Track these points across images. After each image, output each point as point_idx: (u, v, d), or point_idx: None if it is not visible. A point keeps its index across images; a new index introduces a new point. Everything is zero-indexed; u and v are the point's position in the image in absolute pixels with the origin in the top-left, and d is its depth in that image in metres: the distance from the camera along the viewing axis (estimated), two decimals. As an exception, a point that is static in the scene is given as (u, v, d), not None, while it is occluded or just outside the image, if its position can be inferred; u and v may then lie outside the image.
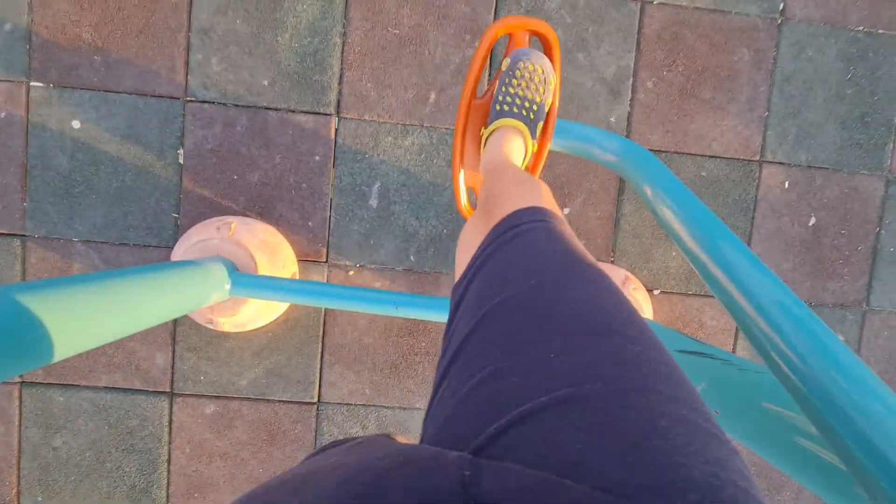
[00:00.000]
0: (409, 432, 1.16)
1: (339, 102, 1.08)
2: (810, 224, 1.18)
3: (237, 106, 1.07)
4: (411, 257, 1.13)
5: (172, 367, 1.11)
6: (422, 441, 0.29)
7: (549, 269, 0.33)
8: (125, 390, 1.11)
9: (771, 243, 1.17)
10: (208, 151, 1.08)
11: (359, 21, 1.07)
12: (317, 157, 1.09)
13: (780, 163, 1.16)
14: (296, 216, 1.10)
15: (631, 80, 1.11)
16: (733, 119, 1.14)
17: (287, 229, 1.10)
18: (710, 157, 1.14)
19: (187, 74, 1.06)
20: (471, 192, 0.79)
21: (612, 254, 1.15)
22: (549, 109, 0.71)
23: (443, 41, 1.08)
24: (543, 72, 0.68)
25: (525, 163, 0.71)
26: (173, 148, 1.07)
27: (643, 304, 1.07)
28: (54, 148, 1.05)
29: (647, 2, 1.10)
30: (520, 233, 0.39)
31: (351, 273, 1.12)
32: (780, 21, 1.13)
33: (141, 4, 1.04)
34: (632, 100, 1.12)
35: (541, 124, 0.70)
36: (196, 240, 1.01)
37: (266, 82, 1.07)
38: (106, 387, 1.10)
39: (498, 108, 0.69)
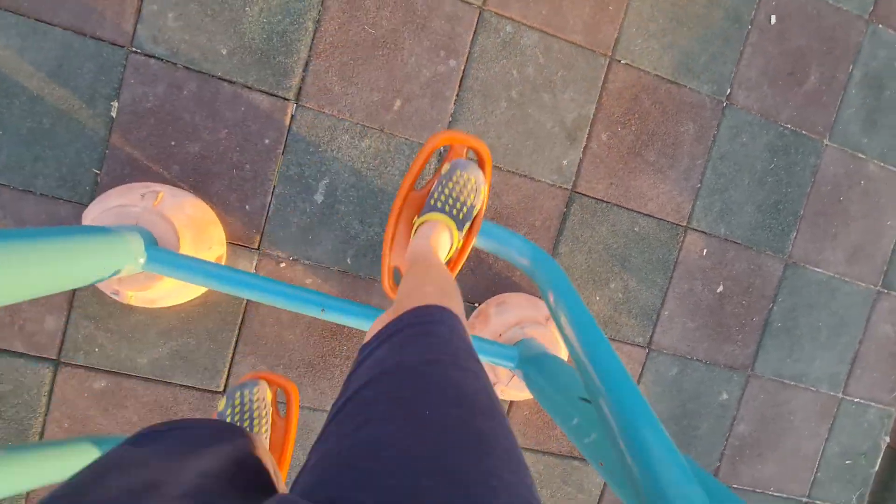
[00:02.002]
0: (312, 434, 1.14)
1: (300, 89, 1.04)
2: (718, 291, 1.30)
3: (188, 69, 1.00)
4: (348, 260, 1.11)
5: (64, 334, 1.02)
6: (302, 470, 0.33)
7: (441, 360, 0.38)
8: (2, 351, 1.00)
9: (682, 302, 1.28)
10: (146, 110, 0.99)
11: (336, 11, 1.04)
12: (266, 141, 1.04)
13: (703, 232, 1.26)
14: (233, 197, 1.04)
15: (588, 129, 1.17)
16: (670, 184, 1.23)
17: (221, 209, 1.04)
18: (645, 214, 1.22)
19: (137, 23, 0.98)
20: (396, 273, 0.83)
21: (542, 289, 1.20)
22: (477, 213, 0.80)
23: (417, 52, 1.08)
24: (476, 182, 0.78)
25: (449, 255, 0.79)
26: (107, 99, 0.98)
27: (560, 342, 1.13)
28: (-39, 69, 0.93)
29: (615, 59, 1.16)
30: (428, 324, 0.44)
31: (282, 265, 1.08)
32: (724, 104, 1.23)
33: (96, -65, 0.95)
34: (585, 147, 1.17)
35: (468, 224, 0.79)
36: (116, 203, 0.93)
37: (225, 51, 1.01)
38: (-21, 344, 0.99)
39: (433, 202, 0.77)
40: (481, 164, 0.82)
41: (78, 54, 0.96)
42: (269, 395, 0.79)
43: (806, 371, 1.39)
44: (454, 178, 0.78)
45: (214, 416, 0.78)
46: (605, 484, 1.30)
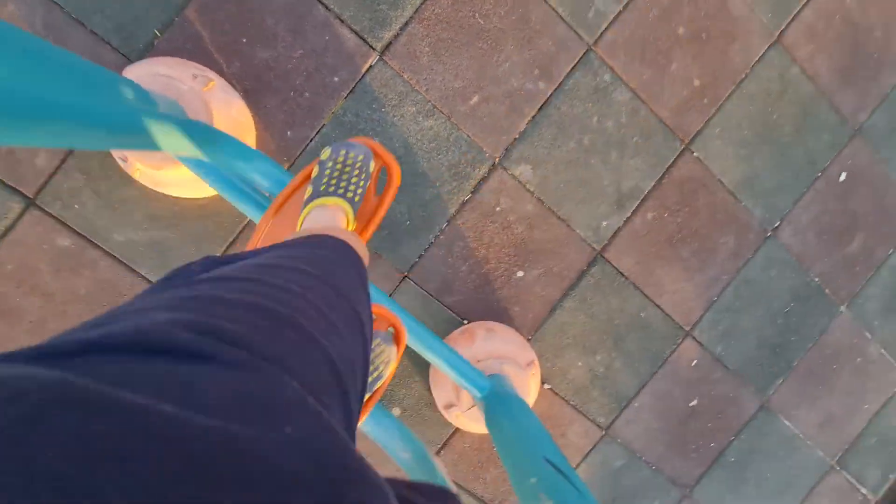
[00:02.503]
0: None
1: (389, 44, 1.01)
2: (691, 404, 1.28)
3: (292, -23, 0.96)
4: (362, 226, 1.06)
5: (50, 177, 0.94)
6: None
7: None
8: (-21, 167, 0.92)
9: (655, 400, 1.26)
10: (234, -2, 0.95)
11: (455, -12, 1.01)
12: (336, 79, 1.00)
13: (701, 343, 1.25)
14: (281, 118, 1.00)
15: (639, 202, 1.16)
16: (690, 287, 1.22)
17: (263, 122, 0.99)
18: (656, 305, 1.21)
19: (263, -89, 0.93)
20: None
21: (533, 333, 1.16)
22: (378, 387, 0.77)
23: (514, 59, 1.05)
24: (388, 356, 0.77)
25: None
26: (200, -32, 0.93)
27: (532, 390, 1.10)
28: None
29: (689, 149, 1.16)
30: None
31: (297, 203, 1.03)
32: (769, 234, 1.24)
33: None
34: (629, 219, 1.16)
35: (367, 395, 0.76)
36: (166, 72, 0.88)
37: (334, -24, 0.97)
38: (-41, 150, 0.91)
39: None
40: (397, 341, 0.81)
41: (192, -86, 0.91)
42: (373, 167, 0.74)
43: (738, 514, 1.37)
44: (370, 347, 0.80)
45: (315, 164, 0.73)
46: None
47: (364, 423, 0.86)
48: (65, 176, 0.95)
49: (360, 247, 0.59)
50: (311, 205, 0.69)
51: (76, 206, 0.96)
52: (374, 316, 0.82)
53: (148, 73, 0.86)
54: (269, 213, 0.74)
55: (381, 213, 0.75)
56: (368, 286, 0.49)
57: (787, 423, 1.35)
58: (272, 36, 0.97)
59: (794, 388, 1.34)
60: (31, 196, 0.94)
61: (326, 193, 0.69)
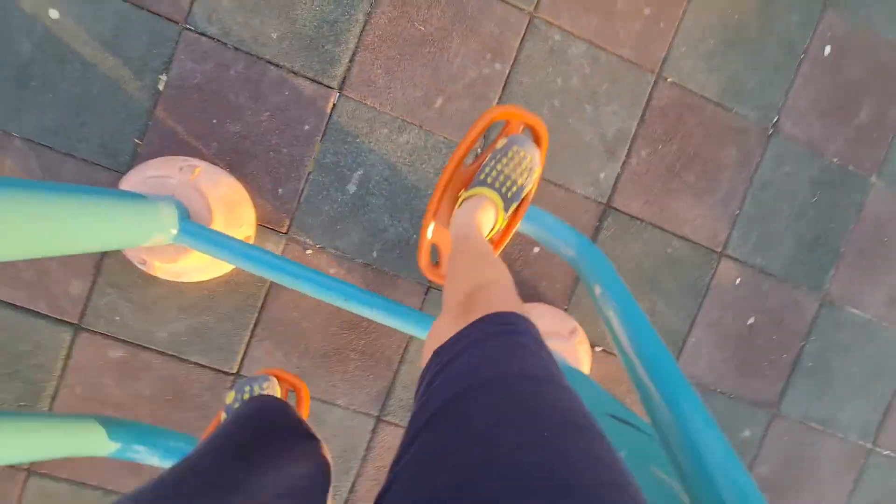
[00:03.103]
0: (322, 426, 1.12)
1: (344, 79, 1.04)
2: (749, 323, 1.25)
3: (237, 49, 1.01)
4: (374, 253, 1.10)
5: (87, 299, 1.02)
6: (386, 491, 0.29)
7: (538, 376, 0.34)
8: (26, 310, 1.00)
9: (710, 330, 1.24)
10: (193, 86, 1.00)
11: (387, 5, 1.04)
12: (306, 127, 1.04)
13: (738, 260, 1.23)
14: (268, 179, 1.04)
15: (628, 144, 1.15)
16: (708, 209, 1.20)
17: (254, 190, 1.04)
18: (680, 237, 1.19)
19: (193, 1, 0.99)
20: (434, 248, 0.80)
21: (567, 302, 1.17)
22: (526, 195, 0.77)
23: (464, 52, 1.07)
24: (532, 160, 0.74)
25: (491, 235, 0.75)
26: (155, 71, 0.99)
27: (583, 358, 1.10)
28: (20, 32, 0.95)
29: (661, 76, 1.14)
30: (514, 333, 0.39)
31: (308, 252, 1.07)
32: (770, 132, 1.20)
33: (164, -87, 0.97)
34: (624, 163, 1.15)
35: (515, 205, 0.75)
36: (154, 174, 0.94)
37: (275, 35, 1.02)
38: (4, 301, 0.99)
39: (482, 177, 0.73)
40: (538, 143, 0.77)
41: (133, 26, 0.98)
42: (279, 392, 0.78)
43: (835, 416, 1.32)
44: (509, 154, 0.73)
45: (222, 411, 0.76)
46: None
47: (523, 227, 0.84)
48: (99, 294, 1.02)
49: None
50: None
51: (116, 318, 1.03)
52: (504, 119, 0.78)
53: (140, 180, 0.92)
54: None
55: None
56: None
57: (854, 310, 1.30)
58: (237, 109, 1.02)
59: (849, 275, 1.28)
60: (76, 322, 1.02)
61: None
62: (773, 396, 1.29)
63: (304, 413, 0.81)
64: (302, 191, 1.06)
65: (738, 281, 1.23)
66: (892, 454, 1.36)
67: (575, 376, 0.92)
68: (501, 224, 0.75)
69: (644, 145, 1.16)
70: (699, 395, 1.21)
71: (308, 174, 1.06)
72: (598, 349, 1.19)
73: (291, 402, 0.83)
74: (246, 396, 0.75)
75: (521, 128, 0.79)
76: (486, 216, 0.71)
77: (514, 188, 0.73)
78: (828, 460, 1.33)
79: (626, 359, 0.61)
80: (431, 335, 0.48)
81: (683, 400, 0.50)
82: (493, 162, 0.74)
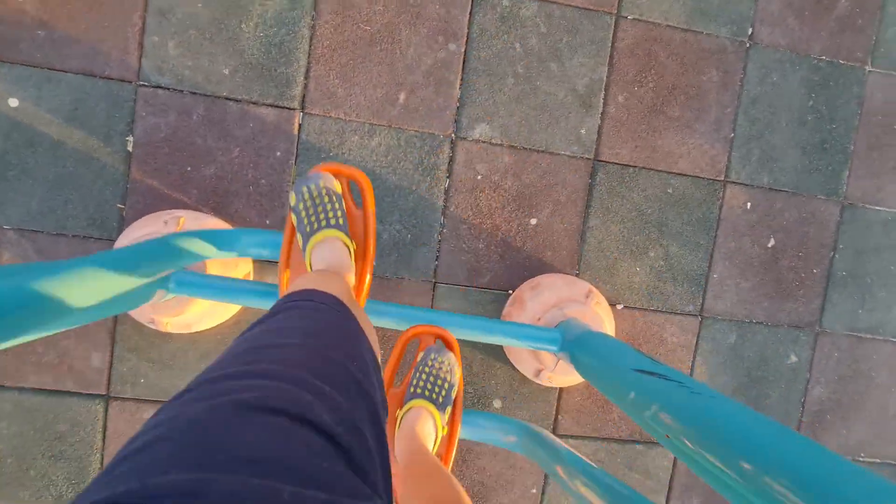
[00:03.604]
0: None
1: (304, 97, 1.04)
2: (769, 245, 1.20)
3: (194, 94, 1.01)
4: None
5: (110, 369, 1.04)
6: None
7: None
8: (55, 392, 1.03)
9: (732, 262, 1.19)
10: (160, 140, 1.01)
11: (328, 14, 1.03)
12: (278, 153, 1.04)
13: (744, 184, 1.18)
14: (253, 213, 1.05)
15: (602, 93, 1.11)
16: (700, 138, 1.15)
17: (242, 225, 1.04)
18: (677, 174, 1.15)
19: (141, 57, 1.00)
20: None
21: (577, 266, 1.14)
22: (456, 396, 0.83)
23: (415, 41, 1.05)
24: (450, 363, 0.83)
25: (436, 448, 0.79)
26: (122, 134, 1.00)
27: (605, 319, 1.07)
28: (-13, 127, 0.97)
29: (621, 16, 1.10)
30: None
31: (309, 275, 1.07)
32: (748, 45, 1.15)
33: (93, -21, 0.98)
34: (603, 112, 1.12)
35: (449, 408, 0.81)
36: (141, 233, 0.95)
37: (227, 71, 1.02)
38: (33, 388, 1.02)
39: (412, 390, 0.80)
40: (450, 349, 0.86)
41: (91, 96, 0.99)
42: (338, 186, 0.76)
43: (882, 321, 1.26)
44: (429, 363, 0.82)
45: (290, 212, 0.75)
46: (674, 466, 1.22)
47: (462, 432, 0.89)
48: (120, 362, 1.04)
49: (344, 288, 0.58)
50: (307, 248, 0.70)
51: (142, 380, 1.05)
52: (416, 338, 0.86)
53: (130, 241, 0.93)
54: (281, 269, 0.77)
55: (371, 221, 0.76)
56: (363, 333, 0.48)
57: (878, 208, 1.23)
58: (208, 151, 1.02)
59: (865, 172, 1.22)
60: (104, 393, 1.04)
61: (313, 232, 0.70)
62: (813, 315, 1.23)
63: (371, 205, 0.76)
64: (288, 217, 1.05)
65: (748, 205, 1.18)
66: (953, 346, 1.29)
67: (596, 338, 0.90)
68: (443, 432, 0.79)
69: (619, 90, 1.12)
70: (734, 330, 1.17)
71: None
72: (619, 307, 1.16)
73: (354, 195, 0.80)
74: (306, 196, 0.72)
75: (434, 339, 0.87)
76: (427, 427, 0.76)
77: (443, 392, 0.79)
78: (885, 368, 1.27)
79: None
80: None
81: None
82: (417, 374, 0.82)
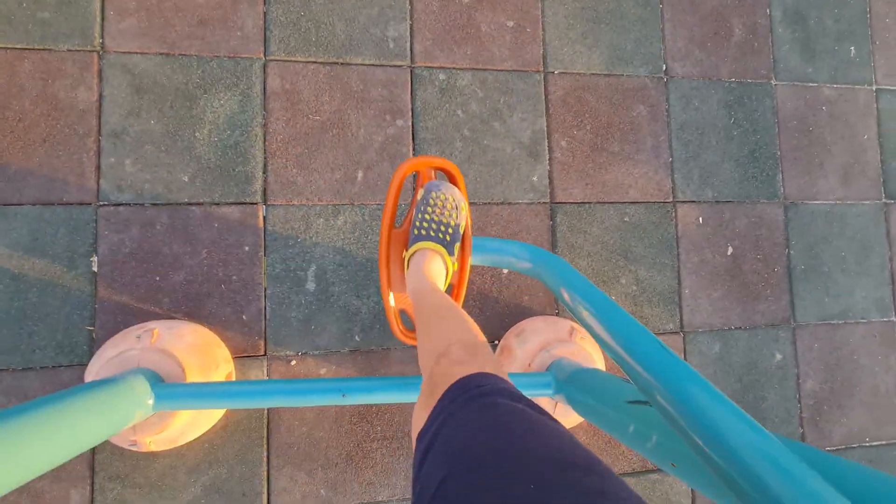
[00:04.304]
0: (375, 531, 1.06)
1: (265, 190, 1.07)
2: (729, 253, 1.27)
3: (156, 205, 1.03)
4: (356, 337, 1.08)
5: (91, 502, 0.97)
6: None
7: (512, 431, 0.34)
8: (33, 542, 0.94)
9: (699, 275, 1.24)
10: (125, 255, 1.01)
11: (279, 111, 1.09)
12: (246, 248, 1.05)
13: (691, 201, 1.25)
14: (228, 311, 1.04)
15: (546, 141, 1.19)
16: (643, 167, 1.23)
17: (219, 326, 1.03)
18: (630, 202, 1.22)
19: (99, 179, 1.02)
20: (404, 315, 0.81)
21: (555, 306, 1.16)
22: (464, 230, 0.79)
23: (364, 123, 1.12)
24: (454, 199, 0.77)
25: (448, 281, 0.77)
26: (85, 256, 1.00)
27: (593, 353, 1.08)
28: (-57, 272, 0.95)
29: (548, 72, 1.21)
30: (479, 396, 0.39)
31: (293, 363, 1.05)
32: (665, 80, 1.27)
33: (45, 113, 1.01)
34: (550, 159, 1.19)
35: (457, 245, 0.77)
36: (113, 353, 0.92)
37: (186, 178, 1.04)
38: (8, 542, 0.94)
39: (416, 232, 0.76)
40: (454, 182, 0.81)
41: (49, 224, 0.99)
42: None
43: (849, 305, 1.32)
44: (431, 202, 0.76)
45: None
46: (693, 491, 1.19)
47: (473, 259, 0.85)
48: (103, 493, 0.97)
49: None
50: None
51: (128, 509, 0.98)
52: (414, 171, 0.81)
53: (101, 365, 0.91)
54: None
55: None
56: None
57: (816, 202, 1.33)
58: (175, 258, 1.03)
59: (795, 172, 1.32)
60: (88, 532, 0.96)
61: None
62: (785, 311, 1.28)
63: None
64: (265, 308, 1.05)
65: (700, 220, 1.26)
66: (918, 317, 1.36)
67: (587, 375, 0.90)
68: (453, 267, 0.76)
69: (561, 136, 1.20)
70: (717, 340, 1.20)
71: (265, 290, 1.05)
72: (604, 337, 1.18)
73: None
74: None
75: (433, 173, 0.82)
76: (436, 266, 0.73)
77: (450, 230, 0.75)
78: (864, 349, 1.32)
79: (611, 350, 0.60)
80: (413, 421, 0.48)
81: (681, 376, 0.49)
82: (420, 215, 0.77)
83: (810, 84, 1.35)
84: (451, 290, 0.81)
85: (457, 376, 0.43)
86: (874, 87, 1.39)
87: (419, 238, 0.75)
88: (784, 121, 1.33)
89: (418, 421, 0.43)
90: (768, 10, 1.35)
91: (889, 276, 1.35)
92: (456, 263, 0.77)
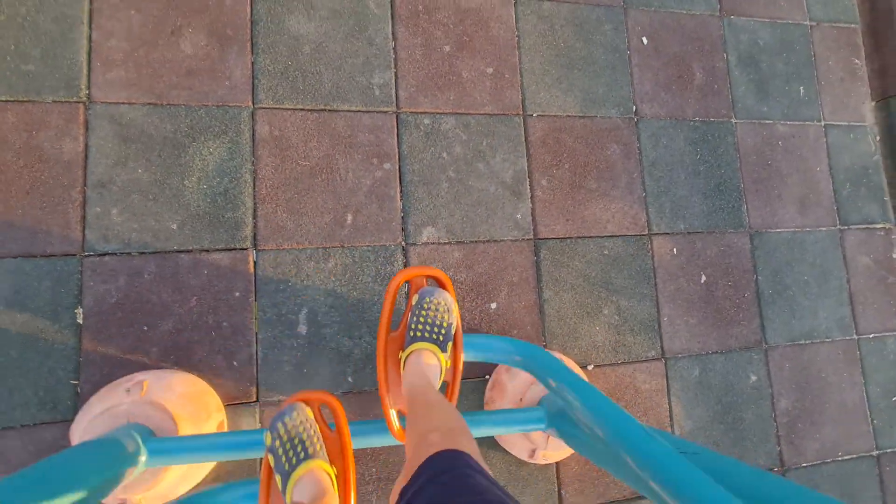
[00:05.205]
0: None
1: (255, 236, 1.08)
2: (702, 281, 1.34)
3: (143, 253, 1.02)
4: (349, 378, 1.09)
5: (76, 568, 0.92)
6: None
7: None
8: None
9: (675, 303, 1.30)
10: (112, 306, 1.00)
11: (267, 158, 1.11)
12: (237, 294, 1.05)
13: (665, 233, 1.32)
14: (219, 358, 1.03)
15: (528, 180, 1.25)
16: (619, 202, 1.30)
17: (210, 374, 1.02)
18: (608, 236, 1.28)
19: (84, 229, 1.01)
20: (399, 414, 0.84)
21: (543, 338, 1.20)
22: (456, 330, 0.86)
23: (352, 167, 1.15)
24: (446, 303, 0.84)
25: (442, 377, 0.82)
26: (70, 308, 0.98)
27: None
28: (-83, 331, 0.92)
29: (527, 115, 1.27)
30: (445, 472, 0.47)
31: (286, 408, 1.05)
32: (636, 120, 1.35)
33: (28, 165, 1.00)
34: (532, 197, 1.24)
35: (450, 344, 0.84)
36: (101, 408, 0.90)
37: (174, 226, 1.05)
38: None
39: (412, 334, 0.82)
40: (444, 287, 0.88)
41: (32, 276, 0.97)
42: (310, 414, 0.77)
43: (813, 325, 1.41)
44: (425, 306, 0.84)
45: (266, 454, 0.73)
46: (681, 513, 1.23)
47: (466, 355, 0.90)
48: (87, 557, 0.93)
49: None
50: (288, 487, 0.68)
51: (114, 572, 0.94)
52: (407, 281, 0.88)
53: (89, 421, 0.88)
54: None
55: (347, 441, 0.76)
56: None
57: (778, 230, 1.42)
58: (164, 307, 1.02)
59: (758, 203, 1.42)
60: None
61: (293, 468, 0.69)
62: (756, 334, 1.36)
63: (344, 425, 0.76)
64: (256, 353, 1.05)
65: (674, 251, 1.33)
66: (876, 335, 1.46)
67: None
68: (446, 364, 0.82)
69: (541, 176, 1.26)
70: (696, 365, 1.25)
71: (256, 335, 1.05)
72: (590, 367, 1.22)
73: (328, 418, 0.82)
74: (281, 432, 0.72)
75: (425, 280, 0.89)
76: (431, 364, 0.79)
77: (443, 331, 0.82)
78: (830, 366, 1.40)
79: (595, 435, 0.65)
80: (391, 497, 0.53)
81: (663, 460, 0.54)
82: (414, 318, 0.83)
83: (766, 121, 1.46)
84: (445, 387, 0.85)
85: (436, 450, 0.49)
86: (822, 123, 1.51)
87: (415, 339, 0.80)
88: (745, 156, 1.43)
89: (394, 494, 0.49)
90: (725, 55, 1.46)
91: (847, 296, 1.45)
92: (449, 361, 0.83)
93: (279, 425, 0.74)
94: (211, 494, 0.80)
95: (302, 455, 0.70)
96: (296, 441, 0.71)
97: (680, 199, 1.35)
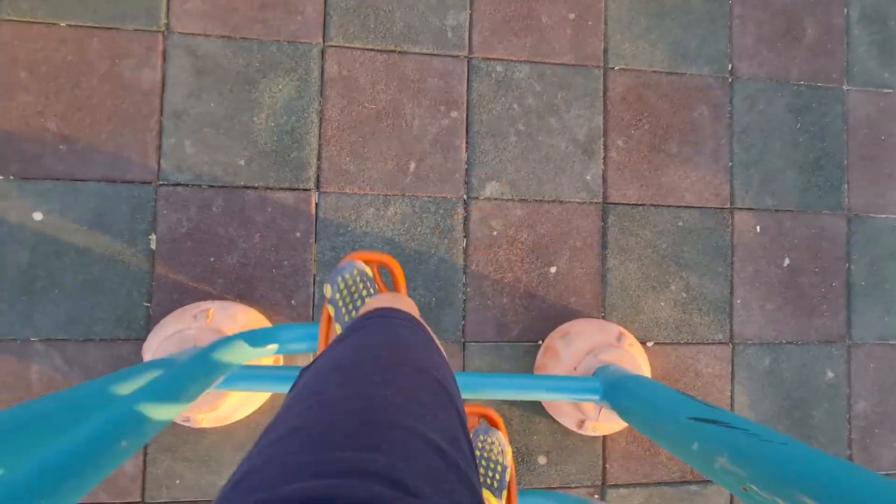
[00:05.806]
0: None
1: (318, 178, 1.07)
2: (786, 265, 1.22)
3: (213, 187, 1.04)
4: (401, 328, 1.09)
5: (143, 474, 1.00)
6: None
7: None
8: (89, 505, 0.99)
9: (752, 286, 1.20)
10: (182, 235, 1.03)
11: (335, 98, 1.08)
12: (298, 234, 1.06)
13: (750, 208, 1.21)
14: (278, 296, 1.05)
15: (602, 139, 1.16)
16: (701, 170, 1.19)
17: (269, 310, 1.05)
18: (685, 207, 1.18)
19: (160, 159, 1.03)
20: None
21: (602, 309, 1.14)
22: (510, 478, 0.82)
23: (419, 113, 1.10)
24: (500, 443, 0.82)
25: None
26: (144, 234, 1.02)
27: (639, 361, 1.06)
28: (13, 242, 0.99)
29: (609, 68, 1.17)
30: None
31: (338, 350, 1.07)
32: (730, 80, 1.21)
33: (111, 92, 1.03)
34: (605, 158, 1.16)
35: (505, 492, 0.80)
36: (171, 330, 0.94)
37: (242, 162, 1.05)
38: (66, 504, 0.98)
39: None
40: (495, 426, 0.86)
41: (112, 201, 1.02)
42: (369, 271, 0.78)
43: (911, 325, 1.26)
44: (478, 446, 0.81)
45: (326, 305, 0.76)
46: (730, 502, 1.17)
47: None
48: (154, 465, 1.01)
49: (414, 309, 0.62)
50: None
51: (177, 481, 1.01)
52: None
53: (159, 342, 0.93)
54: None
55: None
56: (438, 347, 0.49)
57: (882, 216, 1.26)
58: (230, 240, 1.04)
59: (863, 183, 1.26)
60: (139, 500, 1.00)
61: (350, 318, 0.72)
62: (841, 329, 1.23)
63: (402, 287, 0.80)
64: (314, 295, 1.06)
65: (758, 228, 1.21)
66: (985, 343, 1.29)
67: (640, 384, 0.89)
68: None
69: (617, 135, 1.17)
70: (767, 354, 1.16)
71: (314, 277, 1.06)
72: (650, 344, 1.16)
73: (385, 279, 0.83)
74: (341, 286, 0.74)
75: (478, 419, 0.86)
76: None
77: (497, 476, 0.79)
78: (924, 372, 1.26)
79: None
80: None
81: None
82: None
83: (885, 90, 1.28)
84: None
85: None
86: (955, 96, 1.30)
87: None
88: (854, 128, 1.26)
89: None
90: (845, 10, 1.27)
91: (956, 297, 1.28)
92: None
93: (339, 279, 0.75)
94: (271, 332, 0.84)
95: (360, 305, 0.71)
96: (355, 294, 0.73)
97: (771, 172, 1.22)
